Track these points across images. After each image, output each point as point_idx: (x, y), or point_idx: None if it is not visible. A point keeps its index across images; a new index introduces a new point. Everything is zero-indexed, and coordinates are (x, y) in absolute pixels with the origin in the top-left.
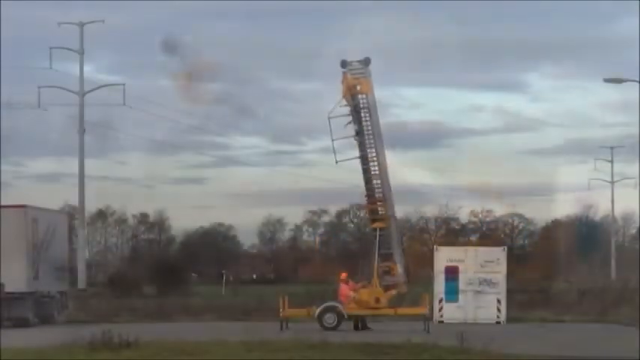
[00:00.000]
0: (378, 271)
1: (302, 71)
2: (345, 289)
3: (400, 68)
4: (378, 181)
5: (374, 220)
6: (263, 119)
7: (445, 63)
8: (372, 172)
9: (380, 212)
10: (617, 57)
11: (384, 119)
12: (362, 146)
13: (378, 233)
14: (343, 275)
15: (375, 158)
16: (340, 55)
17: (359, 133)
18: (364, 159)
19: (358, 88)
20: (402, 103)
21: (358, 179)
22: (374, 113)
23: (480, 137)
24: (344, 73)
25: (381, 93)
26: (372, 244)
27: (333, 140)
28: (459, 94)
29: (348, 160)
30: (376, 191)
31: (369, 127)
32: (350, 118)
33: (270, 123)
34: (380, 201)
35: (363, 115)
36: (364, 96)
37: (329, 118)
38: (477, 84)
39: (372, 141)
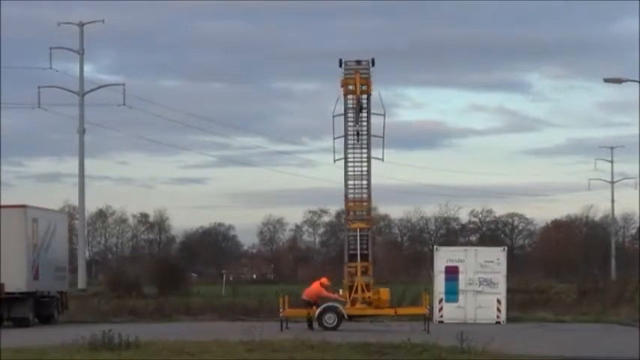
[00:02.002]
0: (351, 270)
1: (303, 71)
2: (317, 288)
3: (402, 68)
4: (365, 182)
5: (352, 221)
6: (263, 119)
7: (447, 63)
8: (363, 172)
9: (363, 213)
10: (618, 57)
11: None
12: (359, 146)
13: (358, 233)
14: (323, 280)
15: (365, 158)
16: (342, 55)
17: (359, 133)
18: (358, 159)
19: (365, 88)
20: (403, 103)
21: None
22: (370, 114)
23: (481, 137)
24: (356, 72)
25: (382, 93)
26: (353, 245)
27: (334, 139)
28: (460, 94)
29: (342, 159)
30: (363, 191)
31: (364, 128)
32: (351, 118)
33: (270, 123)
34: (365, 202)
35: (362, 115)
36: (364, 96)
37: (333, 116)
38: (478, 84)
39: (364, 141)
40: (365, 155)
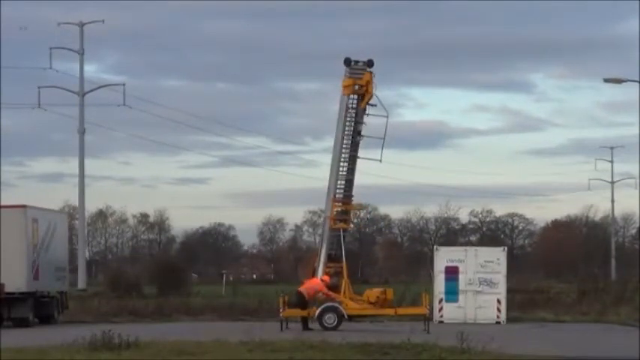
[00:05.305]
0: (330, 271)
1: (305, 71)
2: (317, 284)
3: (405, 68)
4: (343, 182)
5: (337, 221)
6: (265, 119)
7: (450, 63)
8: (352, 173)
9: (347, 213)
10: (622, 57)
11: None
12: (354, 146)
13: (341, 234)
14: (325, 277)
15: (359, 159)
16: (344, 56)
17: (360, 133)
18: (353, 159)
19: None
20: (407, 103)
21: (358, 179)
22: (364, 114)
23: (483, 137)
24: (368, 72)
25: (386, 93)
26: (332, 245)
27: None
28: (463, 94)
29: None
30: (351, 192)
31: (358, 128)
32: (351, 118)
33: (272, 123)
34: (351, 202)
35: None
36: (361, 97)
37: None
38: (482, 84)
39: (360, 141)
40: (360, 155)
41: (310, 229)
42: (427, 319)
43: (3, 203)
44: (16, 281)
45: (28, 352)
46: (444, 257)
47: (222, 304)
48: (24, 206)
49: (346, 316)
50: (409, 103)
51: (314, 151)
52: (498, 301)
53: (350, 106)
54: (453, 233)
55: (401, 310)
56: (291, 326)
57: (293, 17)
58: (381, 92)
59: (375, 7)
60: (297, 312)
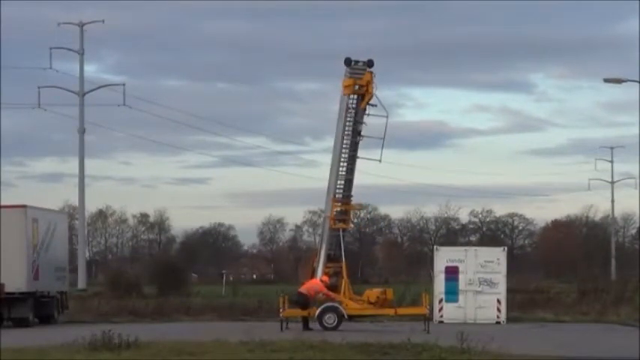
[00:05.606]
0: (329, 271)
1: (305, 71)
2: (317, 284)
3: (406, 68)
4: (343, 182)
5: (336, 220)
6: (265, 119)
7: (450, 63)
8: (352, 173)
9: (347, 213)
10: (623, 57)
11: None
12: (354, 146)
13: (341, 234)
14: (325, 278)
15: (358, 158)
16: (345, 55)
17: (360, 133)
18: (352, 159)
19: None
20: (407, 103)
21: (358, 179)
22: (363, 114)
23: (483, 137)
24: (368, 72)
25: (386, 93)
26: (332, 245)
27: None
28: (464, 94)
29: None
30: (350, 192)
31: (357, 128)
32: (351, 118)
33: (272, 123)
34: (350, 202)
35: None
36: (360, 97)
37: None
38: (482, 84)
39: (360, 141)
40: (360, 155)
41: (310, 229)
42: (427, 319)
43: (3, 203)
44: (16, 281)
45: (28, 352)
46: (444, 257)
47: (222, 304)
48: (24, 206)
49: (346, 316)
50: (409, 103)
51: (314, 151)
52: (498, 301)
53: (350, 106)
54: (453, 233)
55: (401, 310)
56: (291, 326)
57: (293, 17)
58: (381, 92)
59: (375, 7)
60: (297, 312)
